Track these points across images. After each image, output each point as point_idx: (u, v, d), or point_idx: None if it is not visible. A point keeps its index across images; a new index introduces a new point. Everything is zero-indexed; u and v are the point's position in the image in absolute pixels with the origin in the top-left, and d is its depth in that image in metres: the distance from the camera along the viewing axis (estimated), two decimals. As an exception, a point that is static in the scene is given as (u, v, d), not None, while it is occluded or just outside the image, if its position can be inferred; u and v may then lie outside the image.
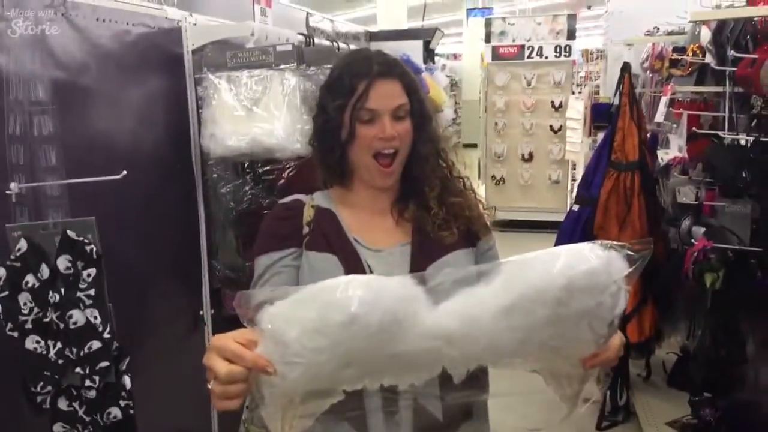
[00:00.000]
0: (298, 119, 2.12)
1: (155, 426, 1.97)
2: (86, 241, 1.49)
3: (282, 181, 2.22)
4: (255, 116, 2.11)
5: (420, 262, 1.17)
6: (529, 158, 7.24)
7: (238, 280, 2.27)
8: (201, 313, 2.28)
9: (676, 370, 3.23)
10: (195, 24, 2.23)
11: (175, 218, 2.20)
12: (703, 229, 2.46)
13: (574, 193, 7.00)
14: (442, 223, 1.21)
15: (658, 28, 3.58)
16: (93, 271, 1.49)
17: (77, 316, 1.47)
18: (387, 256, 1.20)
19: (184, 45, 2.18)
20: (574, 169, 7.16)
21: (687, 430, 2.77)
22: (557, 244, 3.39)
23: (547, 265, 0.85)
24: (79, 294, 1.48)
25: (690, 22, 2.28)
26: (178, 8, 2.20)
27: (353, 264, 1.17)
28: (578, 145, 6.73)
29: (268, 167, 2.24)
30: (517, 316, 0.84)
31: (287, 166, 2.20)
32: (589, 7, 12.00)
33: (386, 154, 1.19)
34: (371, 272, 1.16)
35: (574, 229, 3.24)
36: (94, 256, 1.50)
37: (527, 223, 6.95)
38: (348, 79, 1.18)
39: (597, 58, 11.00)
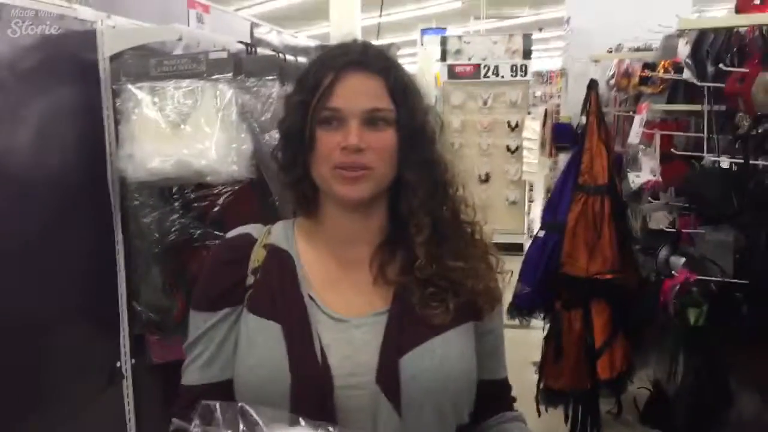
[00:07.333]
0: (234, 138, 1.84)
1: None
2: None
3: (216, 208, 1.93)
4: (183, 134, 1.82)
5: (394, 345, 0.85)
6: (486, 179, 7.09)
7: (163, 323, 1.95)
8: (118, 364, 1.94)
9: (649, 406, 3.02)
10: (114, 27, 1.92)
11: (87, 253, 1.87)
12: (683, 260, 2.26)
13: (532, 214, 6.97)
14: (433, 294, 0.89)
15: (622, 45, 3.43)
16: None
17: None
18: (351, 329, 0.88)
19: (99, 50, 1.87)
20: (531, 189, 7.07)
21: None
22: (522, 274, 3.15)
23: None
24: None
25: (678, 30, 2.11)
26: (95, 9, 1.89)
27: (300, 339, 0.85)
28: (535, 165, 6.63)
29: (199, 193, 1.94)
30: None
31: (222, 191, 1.91)
32: (540, 29, 12.08)
33: (350, 167, 0.87)
34: (322, 354, 0.85)
35: (540, 257, 3.03)
36: None
37: (485, 245, 6.77)
38: (314, 71, 0.89)
39: (549, 79, 11.11)
